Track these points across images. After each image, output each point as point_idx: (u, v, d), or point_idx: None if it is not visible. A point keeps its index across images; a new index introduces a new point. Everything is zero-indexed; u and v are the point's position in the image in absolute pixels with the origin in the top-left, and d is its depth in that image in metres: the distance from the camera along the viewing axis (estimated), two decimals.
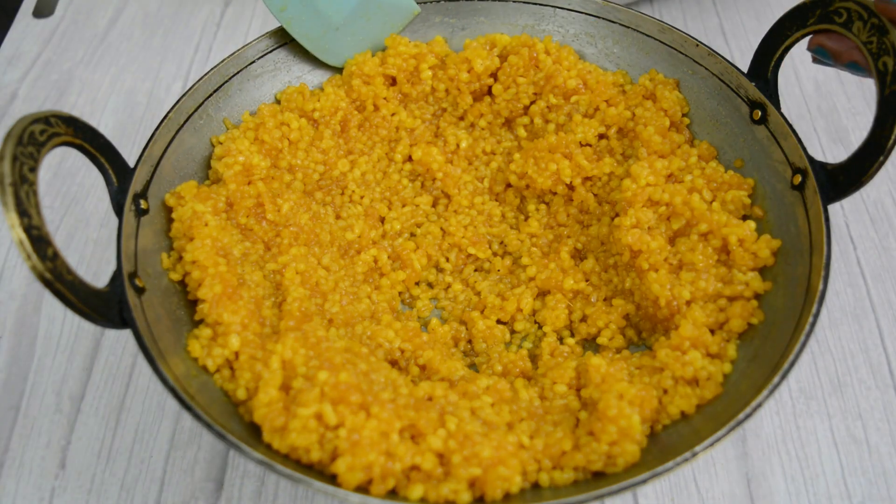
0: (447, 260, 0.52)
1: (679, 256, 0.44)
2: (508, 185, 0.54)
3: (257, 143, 0.50)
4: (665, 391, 0.39)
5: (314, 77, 0.54)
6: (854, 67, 0.42)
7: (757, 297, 0.42)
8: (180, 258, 0.43)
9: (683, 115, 0.50)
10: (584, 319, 0.48)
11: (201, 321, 0.42)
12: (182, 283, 0.43)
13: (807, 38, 0.43)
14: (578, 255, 0.51)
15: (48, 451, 0.47)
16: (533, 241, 0.52)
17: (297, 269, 0.45)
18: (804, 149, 0.42)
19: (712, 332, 0.42)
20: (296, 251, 0.46)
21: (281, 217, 0.47)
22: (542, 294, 0.49)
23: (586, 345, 0.47)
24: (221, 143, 0.49)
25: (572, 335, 0.48)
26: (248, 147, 0.48)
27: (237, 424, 0.37)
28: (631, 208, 0.46)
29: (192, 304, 0.43)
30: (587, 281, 0.49)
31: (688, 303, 0.43)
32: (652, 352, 0.42)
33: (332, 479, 0.34)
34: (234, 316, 0.40)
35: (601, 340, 0.46)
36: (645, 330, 0.46)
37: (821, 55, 0.43)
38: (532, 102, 0.53)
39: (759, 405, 0.34)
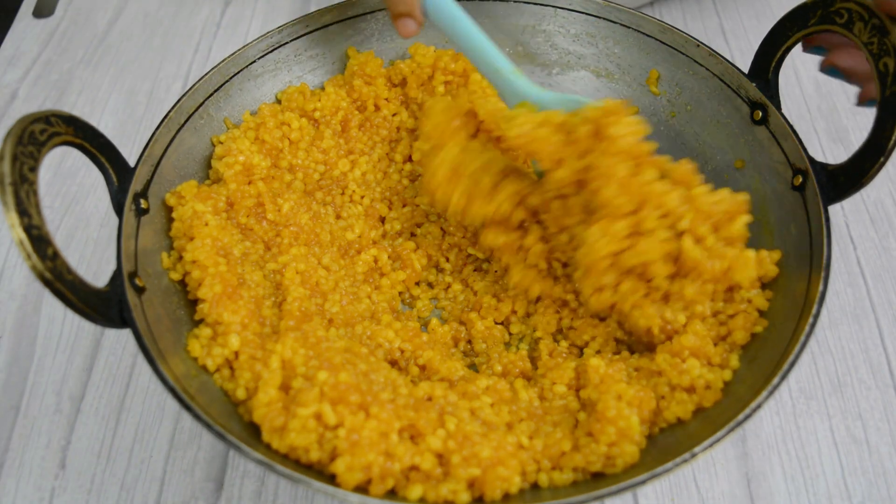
0: (447, 260, 0.52)
1: (666, 290, 0.41)
2: None
3: (258, 143, 0.50)
4: (662, 396, 0.39)
5: (315, 77, 0.54)
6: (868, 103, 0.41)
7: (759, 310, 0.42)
8: (180, 258, 0.43)
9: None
10: (571, 328, 0.47)
11: (201, 321, 0.42)
12: (182, 283, 0.43)
13: (806, 39, 0.43)
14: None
15: (48, 451, 0.47)
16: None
17: (297, 268, 0.45)
18: (805, 150, 0.42)
19: (714, 343, 0.41)
20: (296, 251, 0.46)
21: (281, 217, 0.47)
22: (536, 299, 0.49)
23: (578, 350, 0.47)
24: (222, 143, 0.49)
25: (565, 339, 0.47)
26: (248, 147, 0.48)
27: (237, 424, 0.37)
28: (590, 276, 0.41)
29: (192, 303, 0.43)
30: (574, 294, 0.47)
31: (685, 325, 0.41)
32: (651, 354, 0.42)
33: (332, 479, 0.34)
34: (234, 316, 0.40)
35: (588, 352, 0.45)
36: (637, 351, 0.44)
37: (833, 74, 0.43)
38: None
39: (759, 406, 0.34)
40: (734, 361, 0.39)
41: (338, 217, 0.51)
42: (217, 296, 0.41)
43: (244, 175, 0.48)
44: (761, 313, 0.41)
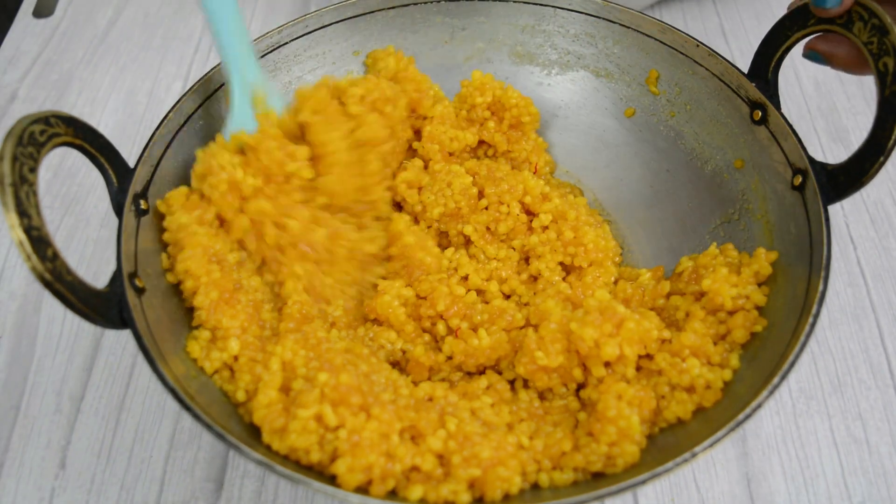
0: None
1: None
2: None
3: (248, 155, 0.44)
4: (662, 396, 0.39)
5: (315, 77, 0.54)
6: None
7: (758, 307, 0.42)
8: (174, 265, 0.43)
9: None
10: None
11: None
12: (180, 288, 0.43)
13: (807, 45, 0.43)
14: None
15: (48, 451, 0.47)
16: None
17: (297, 286, 0.44)
18: (804, 149, 0.42)
19: (714, 342, 0.41)
20: (300, 268, 0.44)
21: (289, 237, 0.44)
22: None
23: None
24: (201, 158, 0.44)
25: None
26: (230, 160, 0.43)
27: (237, 424, 0.37)
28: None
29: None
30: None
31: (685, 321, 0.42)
32: (651, 357, 0.42)
33: (332, 480, 0.34)
34: (232, 321, 0.40)
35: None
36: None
37: (815, 60, 0.43)
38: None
39: (759, 406, 0.34)
40: (734, 361, 0.39)
41: (360, 228, 0.48)
42: (214, 302, 0.41)
43: (234, 194, 0.43)
44: (761, 312, 0.41)
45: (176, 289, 0.43)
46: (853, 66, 0.42)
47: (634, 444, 0.37)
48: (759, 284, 0.42)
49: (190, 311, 0.43)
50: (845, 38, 0.40)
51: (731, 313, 0.41)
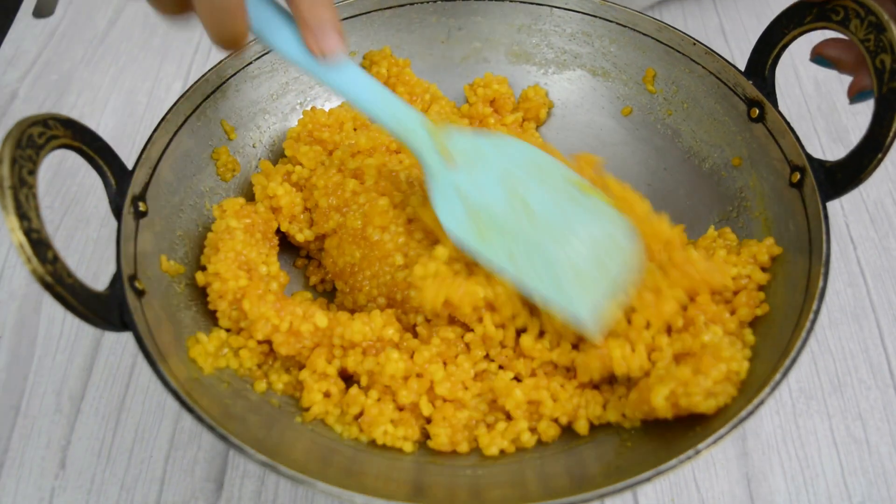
0: None
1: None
2: None
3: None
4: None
5: (310, 77, 0.54)
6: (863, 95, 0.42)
7: (760, 288, 0.42)
8: (204, 267, 0.44)
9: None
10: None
11: (202, 322, 0.42)
12: (192, 287, 0.44)
13: (803, 37, 0.43)
14: None
15: (48, 451, 0.47)
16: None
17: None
18: (802, 146, 0.42)
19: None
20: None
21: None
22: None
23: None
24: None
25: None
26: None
27: (238, 425, 0.37)
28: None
29: (193, 305, 0.43)
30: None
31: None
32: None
33: (334, 481, 0.34)
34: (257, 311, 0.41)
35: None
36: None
37: (823, 64, 0.43)
38: None
39: (762, 402, 0.34)
40: (749, 336, 0.39)
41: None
42: (238, 302, 0.41)
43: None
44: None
45: (176, 290, 0.43)
46: (860, 71, 0.42)
47: (735, 387, 0.36)
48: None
49: (191, 311, 0.43)
50: (852, 44, 0.40)
51: (735, 293, 0.42)
